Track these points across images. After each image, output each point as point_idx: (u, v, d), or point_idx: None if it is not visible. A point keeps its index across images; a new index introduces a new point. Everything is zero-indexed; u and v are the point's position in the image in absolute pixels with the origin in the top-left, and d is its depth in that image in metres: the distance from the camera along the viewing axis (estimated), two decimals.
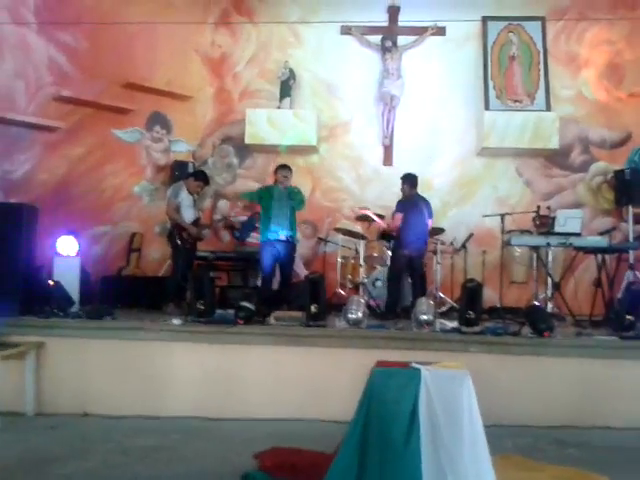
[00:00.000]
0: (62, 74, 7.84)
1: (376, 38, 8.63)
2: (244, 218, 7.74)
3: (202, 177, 6.98)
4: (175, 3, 8.45)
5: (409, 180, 6.65)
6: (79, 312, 5.51)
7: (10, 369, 4.85)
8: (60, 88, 7.78)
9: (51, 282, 5.55)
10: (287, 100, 8.43)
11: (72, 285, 5.75)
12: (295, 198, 6.47)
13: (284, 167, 6.60)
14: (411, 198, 6.57)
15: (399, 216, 6.42)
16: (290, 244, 6.46)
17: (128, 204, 8.33)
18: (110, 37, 7.90)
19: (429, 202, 6.69)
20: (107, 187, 8.21)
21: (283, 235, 6.34)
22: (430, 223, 6.67)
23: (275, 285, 6.63)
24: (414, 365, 3.80)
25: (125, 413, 4.84)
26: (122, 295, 6.84)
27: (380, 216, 7.31)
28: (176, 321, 5.25)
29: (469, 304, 5.13)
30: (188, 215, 6.64)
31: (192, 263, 6.86)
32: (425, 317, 5.13)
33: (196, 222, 6.74)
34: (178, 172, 7.95)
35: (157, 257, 8.10)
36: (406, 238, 6.41)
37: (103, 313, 5.45)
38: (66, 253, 6.01)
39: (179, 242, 6.51)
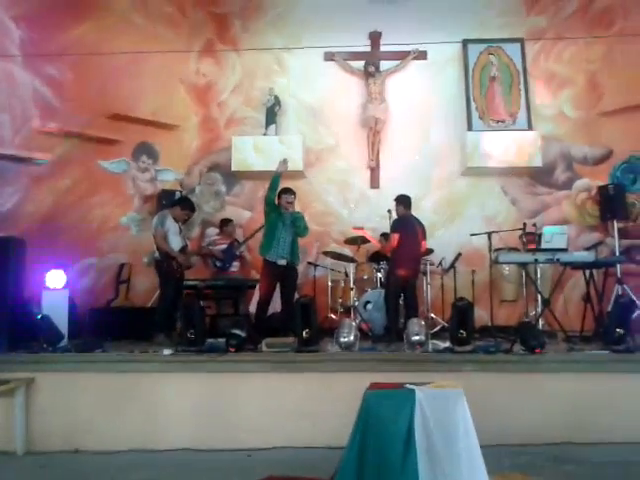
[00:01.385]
0: (47, 107, 7.87)
1: (359, 63, 8.75)
2: (223, 247, 7.66)
3: (188, 204, 6.96)
4: (159, 34, 8.54)
5: (403, 201, 6.68)
6: (68, 346, 5.44)
7: None
8: (46, 121, 7.82)
9: (39, 316, 5.49)
10: (273, 127, 8.50)
11: (61, 318, 5.68)
12: (299, 225, 6.38)
13: (288, 191, 6.42)
14: (406, 218, 6.59)
15: (396, 236, 6.41)
16: (293, 269, 6.40)
17: (116, 235, 8.31)
18: (95, 69, 7.98)
19: (422, 223, 6.72)
20: (94, 218, 8.19)
21: (284, 261, 6.26)
22: (425, 244, 6.70)
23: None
24: (408, 386, 3.79)
25: (118, 448, 4.77)
26: (111, 327, 6.75)
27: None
28: (167, 351, 5.21)
29: (460, 323, 5.14)
30: (175, 243, 6.61)
31: (181, 292, 6.81)
32: (417, 338, 5.14)
33: (183, 250, 6.71)
34: (165, 201, 7.92)
35: (146, 287, 8.03)
36: (401, 259, 6.41)
37: (93, 346, 5.40)
38: (54, 286, 5.96)
39: (168, 271, 6.48)
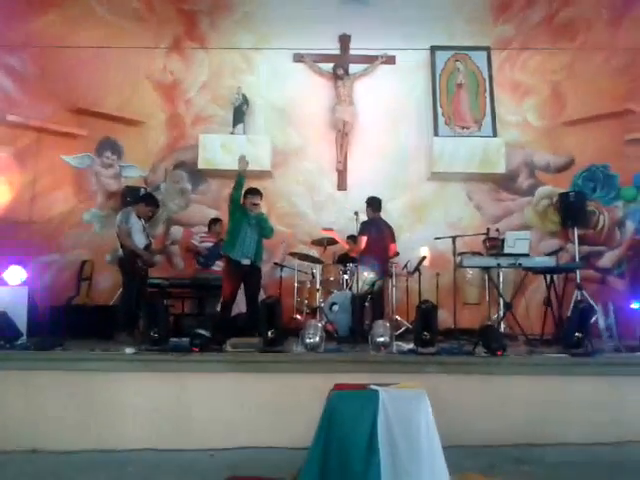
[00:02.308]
0: (8, 99, 7.68)
1: (328, 66, 8.79)
2: (209, 244, 7.64)
3: (152, 201, 6.86)
4: (126, 28, 8.42)
5: (373, 203, 6.73)
6: (27, 344, 5.31)
7: None
8: (6, 113, 7.60)
9: None
10: (240, 126, 8.46)
11: (20, 316, 5.56)
12: (265, 226, 6.38)
13: (254, 192, 6.39)
14: (375, 221, 6.63)
15: (364, 239, 6.44)
16: (257, 269, 6.37)
17: (78, 231, 8.13)
18: (60, 61, 7.82)
19: (391, 226, 6.75)
20: (56, 214, 8.01)
21: (248, 261, 6.22)
22: (394, 247, 6.74)
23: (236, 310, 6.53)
24: (372, 387, 3.81)
25: (77, 448, 4.65)
26: (72, 325, 6.58)
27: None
28: (129, 350, 5.11)
29: (424, 325, 5.18)
30: (139, 241, 6.52)
31: (145, 290, 6.71)
32: (382, 339, 5.17)
33: (147, 248, 6.62)
34: (129, 198, 7.79)
35: (108, 285, 7.89)
36: (369, 261, 6.43)
37: (52, 344, 5.26)
38: (13, 282, 5.81)
39: (132, 269, 6.38)
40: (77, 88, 8.05)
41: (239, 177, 6.30)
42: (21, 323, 5.56)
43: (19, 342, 5.33)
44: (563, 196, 8.09)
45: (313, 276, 7.46)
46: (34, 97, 7.79)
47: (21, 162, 7.76)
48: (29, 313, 5.84)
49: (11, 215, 7.56)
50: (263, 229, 6.36)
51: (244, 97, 8.50)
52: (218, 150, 8.29)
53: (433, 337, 5.18)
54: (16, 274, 5.89)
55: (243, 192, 6.33)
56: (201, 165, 8.32)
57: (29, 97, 7.78)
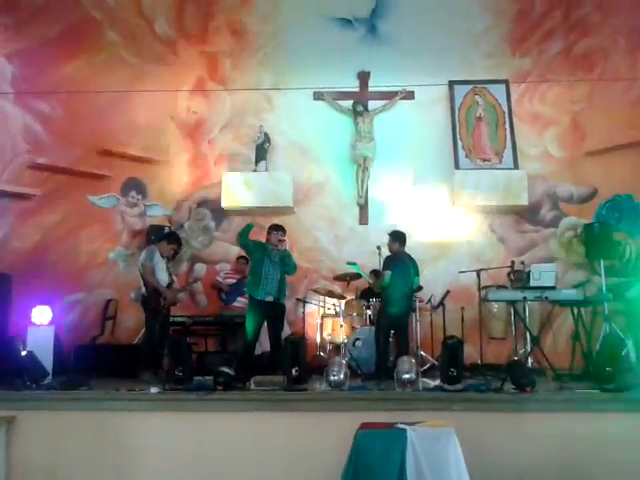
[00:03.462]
0: (38, 142, 7.89)
1: (348, 102, 8.89)
2: (232, 281, 7.69)
3: (174, 239, 6.94)
4: (150, 71, 8.65)
5: (398, 237, 6.69)
6: (53, 383, 5.33)
7: None
8: (35, 156, 7.83)
9: (24, 353, 5.39)
10: (263, 163, 8.56)
11: (46, 355, 5.61)
12: (289, 263, 6.41)
13: (279, 229, 6.44)
14: (399, 255, 6.60)
15: (388, 273, 6.41)
16: (280, 305, 6.37)
17: (103, 270, 8.24)
18: (86, 105, 8.02)
19: (415, 260, 6.73)
20: (82, 253, 8.13)
21: (271, 297, 6.24)
22: (417, 281, 6.71)
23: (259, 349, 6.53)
24: (399, 425, 3.76)
25: None
26: (97, 364, 6.64)
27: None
28: (154, 389, 5.11)
29: (450, 361, 5.11)
30: (162, 279, 6.57)
31: (168, 328, 6.73)
32: (408, 376, 5.08)
33: (169, 286, 6.67)
34: (154, 236, 7.90)
35: (132, 324, 7.92)
36: (393, 296, 6.39)
37: (78, 384, 5.28)
38: (40, 322, 5.88)
39: (155, 307, 6.42)
40: (103, 130, 8.26)
41: (248, 225, 6.52)
42: (47, 362, 5.60)
43: (45, 382, 5.35)
44: (588, 227, 8.00)
45: (336, 312, 7.44)
46: (62, 140, 8.01)
47: (49, 203, 7.93)
48: (55, 352, 5.89)
49: (38, 256, 7.69)
50: (286, 266, 6.39)
51: (266, 135, 8.62)
52: (241, 188, 8.38)
53: (460, 373, 5.10)
54: (43, 314, 5.95)
55: (268, 227, 6.47)
56: (224, 203, 8.41)
57: (57, 140, 7.99)
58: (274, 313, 6.30)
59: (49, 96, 7.87)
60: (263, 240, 6.53)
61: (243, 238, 6.41)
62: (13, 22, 7.81)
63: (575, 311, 6.49)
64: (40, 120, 7.93)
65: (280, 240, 6.36)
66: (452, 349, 5.14)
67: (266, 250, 6.34)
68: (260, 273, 6.25)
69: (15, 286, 6.05)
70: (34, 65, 7.84)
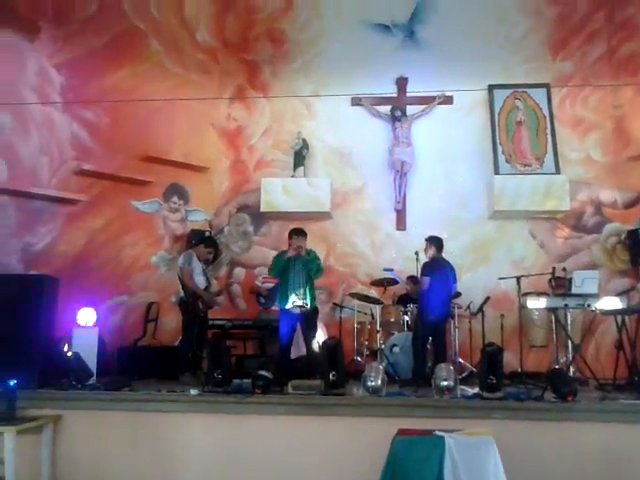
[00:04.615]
0: (84, 149, 8.16)
1: (386, 108, 8.88)
2: (271, 285, 7.77)
3: (210, 243, 7.07)
4: (192, 79, 8.83)
5: (435, 243, 6.66)
6: (97, 384, 5.49)
7: (26, 443, 4.81)
8: (82, 162, 8.09)
9: (70, 354, 5.57)
10: (301, 169, 8.63)
11: (90, 356, 5.78)
12: (311, 267, 6.47)
13: (299, 233, 6.53)
14: (437, 261, 6.57)
15: (427, 279, 6.39)
16: (309, 311, 6.43)
17: (145, 274, 8.44)
18: (130, 113, 8.25)
19: (453, 266, 6.69)
20: (125, 257, 8.34)
21: (299, 303, 6.32)
22: (455, 288, 6.67)
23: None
24: (437, 433, 3.75)
25: None
26: (139, 366, 6.82)
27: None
28: (193, 391, 5.22)
29: (490, 369, 5.05)
30: (199, 282, 6.69)
31: (205, 331, 6.84)
32: (446, 383, 5.06)
33: (206, 289, 6.79)
34: (194, 240, 8.04)
35: (173, 326, 8.05)
36: (431, 303, 6.35)
37: (121, 384, 5.44)
38: (85, 324, 6.06)
39: (193, 310, 6.53)
40: (146, 137, 8.46)
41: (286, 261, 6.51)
42: (91, 363, 5.77)
43: (89, 382, 5.51)
44: (632, 233, 7.83)
45: (373, 317, 7.44)
46: (107, 147, 8.25)
47: (94, 208, 8.18)
48: (99, 354, 6.06)
49: (83, 259, 7.94)
50: (310, 270, 6.46)
51: (304, 141, 8.70)
52: (279, 193, 8.47)
53: (499, 381, 5.05)
54: (88, 316, 6.14)
55: (289, 231, 6.63)
56: (263, 208, 8.51)
57: (102, 147, 8.24)
58: (305, 318, 6.38)
59: (95, 105, 8.12)
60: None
61: (273, 274, 6.60)
62: (63, 34, 8.12)
63: (619, 319, 6.34)
64: (86, 128, 8.19)
65: (299, 246, 6.44)
66: (491, 356, 5.09)
67: (287, 263, 6.44)
68: (287, 284, 6.39)
69: (61, 289, 6.23)
70: (81, 75, 8.13)
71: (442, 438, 3.65)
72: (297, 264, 6.43)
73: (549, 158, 8.44)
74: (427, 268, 6.48)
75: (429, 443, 3.66)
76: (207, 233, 8.39)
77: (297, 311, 6.32)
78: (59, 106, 7.98)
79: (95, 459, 4.94)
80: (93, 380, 5.61)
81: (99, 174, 8.17)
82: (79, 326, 6.07)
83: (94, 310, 6.25)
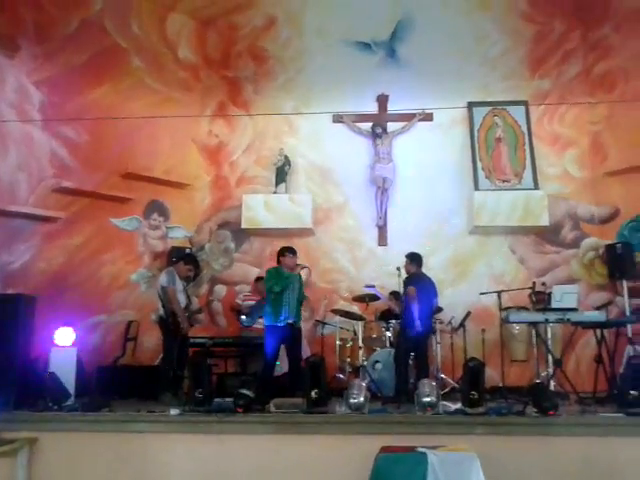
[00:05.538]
0: (63, 166, 8.05)
1: (367, 125, 8.96)
2: (252, 302, 7.72)
3: (190, 260, 7.02)
4: (174, 97, 8.82)
5: (416, 259, 6.73)
6: (75, 405, 5.39)
7: (1, 467, 4.70)
8: (61, 180, 7.97)
9: (46, 374, 5.47)
10: (283, 185, 8.65)
11: (68, 377, 5.67)
12: (301, 289, 6.58)
13: (294, 252, 6.61)
14: (419, 276, 6.61)
15: (412, 288, 6.41)
16: (297, 328, 6.45)
17: (125, 292, 8.33)
18: (111, 130, 8.18)
19: (434, 281, 6.73)
20: (104, 275, 8.23)
21: (291, 320, 6.33)
22: (436, 302, 6.70)
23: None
24: (420, 449, 3.74)
25: None
26: (118, 386, 6.72)
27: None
28: (174, 411, 5.15)
29: (472, 384, 5.08)
30: (180, 300, 6.63)
31: (187, 350, 6.76)
32: (428, 399, 5.05)
33: (186, 308, 6.73)
34: (175, 258, 7.99)
35: (153, 345, 7.96)
36: (414, 317, 6.38)
37: (100, 405, 5.35)
38: (63, 344, 5.96)
39: (174, 329, 6.45)
40: (127, 154, 8.40)
41: (289, 275, 6.50)
42: (69, 384, 5.65)
43: (67, 403, 5.40)
44: (610, 248, 7.93)
45: (355, 333, 7.42)
46: (87, 164, 8.16)
47: (73, 226, 8.06)
48: (77, 374, 5.94)
49: (62, 278, 7.81)
50: (300, 291, 6.54)
51: (286, 158, 8.72)
52: (261, 209, 8.46)
53: (481, 396, 5.06)
54: (66, 335, 6.03)
55: (282, 250, 6.63)
56: (245, 224, 8.49)
57: (82, 164, 8.14)
58: (291, 336, 6.35)
59: (75, 122, 8.05)
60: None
61: (278, 288, 6.40)
62: (42, 51, 8.03)
63: (598, 333, 6.40)
64: (66, 145, 8.10)
65: (296, 264, 6.54)
66: (473, 372, 5.11)
67: (286, 279, 6.43)
68: (281, 303, 6.35)
69: (39, 307, 6.14)
70: (61, 92, 8.04)
71: (425, 455, 3.64)
72: (294, 281, 6.48)
73: (528, 174, 8.56)
74: (411, 280, 6.52)
75: (412, 460, 3.65)
76: (188, 250, 8.35)
77: (291, 322, 6.32)
78: (38, 123, 7.89)
79: None
80: (71, 401, 5.50)
81: (78, 191, 8.07)
82: (57, 346, 5.95)
83: (72, 329, 6.13)
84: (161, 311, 6.62)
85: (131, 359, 7.85)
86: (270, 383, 6.14)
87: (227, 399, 5.47)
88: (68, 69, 8.18)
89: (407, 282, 6.56)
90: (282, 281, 6.38)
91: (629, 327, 7.14)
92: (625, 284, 7.65)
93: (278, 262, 6.61)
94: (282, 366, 6.63)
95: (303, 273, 6.79)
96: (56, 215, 7.93)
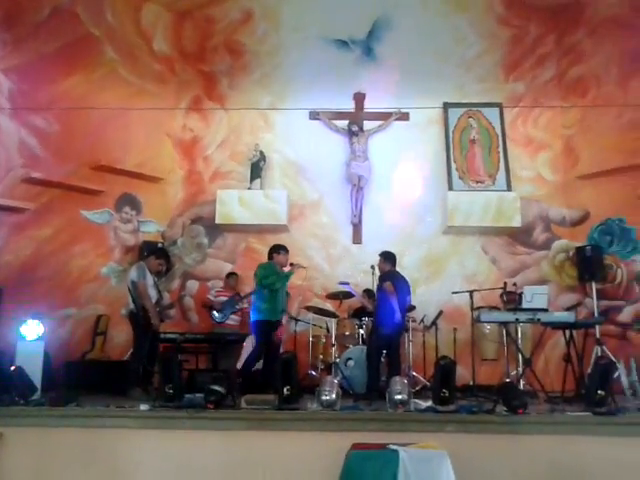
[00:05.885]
0: (32, 156, 7.86)
1: (343, 122, 8.96)
2: (224, 298, 7.67)
3: (161, 254, 6.93)
4: (148, 89, 8.71)
5: (389, 258, 6.75)
6: (42, 399, 5.27)
7: None
8: (30, 170, 7.78)
9: (12, 368, 5.34)
10: (258, 181, 8.60)
11: (35, 371, 5.56)
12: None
13: (286, 249, 6.92)
14: (392, 274, 6.63)
15: (389, 283, 6.44)
16: (281, 325, 6.66)
17: (95, 285, 8.19)
18: (83, 121, 8.04)
19: (407, 280, 6.76)
20: (74, 268, 8.07)
21: (282, 316, 6.54)
22: (409, 300, 6.73)
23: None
24: (391, 447, 3.74)
25: None
26: (86, 380, 6.60)
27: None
28: (143, 406, 5.07)
29: (443, 382, 5.08)
30: (150, 295, 6.54)
31: (157, 345, 6.66)
32: (400, 397, 5.06)
33: (157, 302, 6.64)
34: (147, 252, 7.87)
35: (123, 340, 7.83)
36: (386, 316, 6.38)
37: (67, 400, 5.22)
38: (30, 337, 5.83)
39: (144, 324, 6.36)
40: (99, 146, 8.25)
41: (289, 274, 6.76)
42: (36, 378, 5.55)
43: (33, 398, 5.28)
44: (580, 250, 8.06)
45: (328, 330, 7.42)
46: (57, 155, 7.98)
47: (42, 217, 7.88)
48: (44, 368, 5.83)
49: (30, 270, 7.63)
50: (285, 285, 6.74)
51: (261, 153, 8.67)
52: (235, 205, 8.40)
53: (452, 394, 5.09)
54: (34, 329, 5.90)
55: (276, 247, 6.88)
56: (218, 220, 8.42)
57: (52, 155, 7.96)
58: (276, 330, 6.54)
59: (45, 111, 7.88)
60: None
61: (279, 283, 6.60)
62: (12, 38, 7.82)
63: (567, 333, 6.50)
64: (36, 135, 7.90)
65: (293, 264, 6.80)
66: (445, 370, 5.13)
67: (283, 277, 6.66)
68: (277, 300, 6.52)
69: (5, 299, 5.99)
70: (31, 80, 7.84)
71: (396, 452, 3.65)
72: (287, 278, 6.72)
73: (501, 175, 8.66)
74: (386, 277, 6.54)
75: (383, 457, 3.65)
76: (160, 245, 8.24)
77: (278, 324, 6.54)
78: (7, 112, 7.68)
79: (40, 478, 4.71)
80: (37, 395, 5.39)
81: (48, 182, 7.89)
82: (23, 339, 5.82)
83: (40, 322, 6.00)
84: (131, 306, 6.51)
85: (100, 354, 7.75)
86: (250, 376, 6.31)
87: (198, 395, 5.40)
88: (38, 57, 7.98)
89: (384, 275, 6.58)
90: (281, 278, 6.58)
91: (597, 328, 7.29)
92: (594, 286, 7.78)
93: (270, 258, 6.77)
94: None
95: (300, 273, 6.98)
96: (24, 206, 7.74)
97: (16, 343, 5.82)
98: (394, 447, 3.65)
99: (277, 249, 6.83)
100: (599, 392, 5.10)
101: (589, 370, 6.23)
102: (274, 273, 6.59)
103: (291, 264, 6.84)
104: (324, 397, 5.12)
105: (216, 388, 5.11)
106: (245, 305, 7.87)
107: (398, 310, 6.39)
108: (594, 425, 4.89)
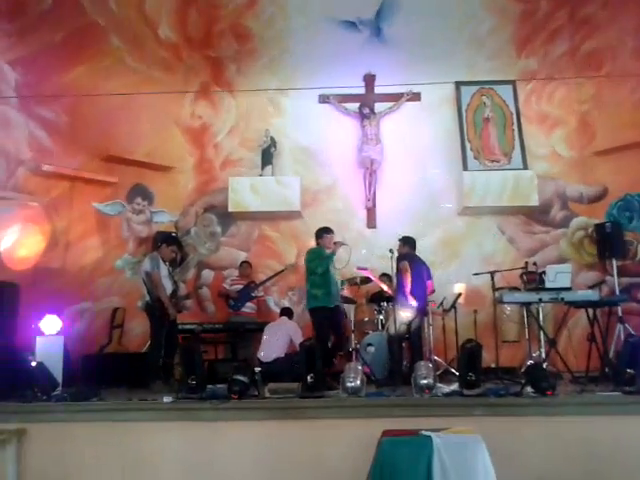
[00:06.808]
0: (42, 149, 7.77)
1: (354, 105, 8.82)
2: (239, 287, 7.61)
3: (172, 241, 6.87)
4: (155, 77, 8.57)
5: (409, 242, 6.68)
6: (63, 394, 5.22)
7: None
8: (40, 163, 7.70)
9: (34, 363, 5.29)
10: (269, 167, 8.48)
11: (55, 366, 5.50)
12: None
13: (331, 230, 6.73)
14: (412, 257, 6.54)
15: (405, 262, 6.35)
16: (340, 307, 6.60)
17: (110, 279, 8.14)
18: (91, 111, 7.93)
19: (426, 263, 6.66)
20: (88, 262, 8.01)
21: (338, 301, 6.48)
22: (431, 284, 6.63)
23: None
24: (424, 432, 3.67)
25: None
26: (105, 374, 6.54)
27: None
28: (167, 399, 5.01)
29: (469, 366, 5.02)
30: (166, 286, 6.48)
31: (175, 336, 6.61)
32: (426, 381, 4.98)
33: (174, 294, 6.57)
34: (160, 243, 7.80)
35: (140, 332, 7.80)
36: (406, 297, 6.30)
37: (89, 394, 5.17)
38: (49, 332, 5.78)
39: (161, 315, 6.30)
40: (108, 136, 8.15)
41: (331, 255, 6.51)
42: (57, 373, 5.50)
43: (55, 393, 5.24)
44: (599, 227, 7.92)
45: (346, 317, 7.33)
46: (67, 147, 7.90)
47: (54, 211, 7.81)
48: (64, 363, 5.77)
49: (44, 264, 7.57)
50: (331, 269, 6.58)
51: (272, 139, 8.55)
52: (247, 192, 8.31)
53: (478, 378, 5.01)
54: (52, 323, 5.85)
55: (319, 230, 6.73)
56: (231, 208, 8.32)
57: (62, 147, 7.88)
58: (337, 316, 6.49)
59: (53, 102, 7.77)
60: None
61: (324, 265, 6.41)
62: (16, 29, 7.70)
63: (590, 312, 6.39)
64: (44, 126, 7.80)
65: (335, 242, 6.59)
66: (471, 353, 5.05)
67: (330, 258, 6.46)
68: (329, 283, 6.38)
69: (21, 295, 5.93)
70: (37, 71, 7.72)
71: (429, 438, 3.57)
72: (331, 262, 6.53)
73: (516, 154, 8.50)
74: (403, 256, 6.46)
75: (417, 443, 3.57)
76: (173, 234, 8.16)
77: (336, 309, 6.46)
78: (15, 104, 7.59)
79: (64, 474, 4.68)
80: (59, 391, 5.34)
81: (59, 175, 7.81)
82: (42, 334, 5.76)
83: (58, 317, 5.95)
84: (147, 297, 6.46)
85: (118, 347, 7.71)
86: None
87: (219, 386, 5.36)
88: (44, 48, 7.84)
89: (402, 256, 6.50)
90: (324, 261, 6.39)
91: (619, 306, 7.17)
92: (615, 263, 7.65)
93: (317, 244, 6.65)
94: (270, 353, 6.51)
95: (344, 250, 6.70)
96: (37, 200, 7.66)
97: (34, 339, 5.75)
98: (427, 433, 3.56)
99: (320, 232, 6.68)
100: (629, 371, 5.00)
101: (612, 349, 6.15)
102: (317, 257, 6.45)
103: (334, 243, 6.64)
104: (349, 384, 5.06)
105: (239, 378, 5.05)
106: (261, 294, 7.83)
107: (414, 291, 6.27)
108: (624, 405, 4.80)
